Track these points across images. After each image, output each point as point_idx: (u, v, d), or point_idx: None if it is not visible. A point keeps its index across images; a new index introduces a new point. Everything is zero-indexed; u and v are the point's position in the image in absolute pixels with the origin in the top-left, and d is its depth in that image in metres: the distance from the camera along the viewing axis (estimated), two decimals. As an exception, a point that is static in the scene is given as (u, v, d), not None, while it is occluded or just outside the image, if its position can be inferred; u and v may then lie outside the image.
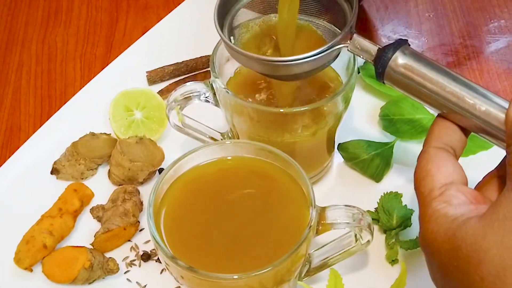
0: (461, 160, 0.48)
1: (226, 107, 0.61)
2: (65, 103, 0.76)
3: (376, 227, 0.63)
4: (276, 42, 0.59)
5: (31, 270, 0.61)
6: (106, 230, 0.61)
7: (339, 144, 0.68)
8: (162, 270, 0.62)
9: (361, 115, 0.73)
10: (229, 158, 0.57)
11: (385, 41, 0.80)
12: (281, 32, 0.58)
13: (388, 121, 0.70)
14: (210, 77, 0.61)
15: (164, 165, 0.68)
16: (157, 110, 0.72)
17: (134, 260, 0.63)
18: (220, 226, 0.53)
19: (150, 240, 0.64)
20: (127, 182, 0.67)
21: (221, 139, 0.67)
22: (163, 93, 0.75)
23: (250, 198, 0.55)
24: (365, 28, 0.83)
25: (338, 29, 0.58)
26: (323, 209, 0.53)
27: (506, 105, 0.45)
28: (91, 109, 0.74)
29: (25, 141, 0.72)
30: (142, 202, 0.66)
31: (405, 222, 0.62)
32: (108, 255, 0.63)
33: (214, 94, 0.61)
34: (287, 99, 0.61)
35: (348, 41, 0.52)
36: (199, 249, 0.52)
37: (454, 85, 0.47)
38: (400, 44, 0.49)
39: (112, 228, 0.62)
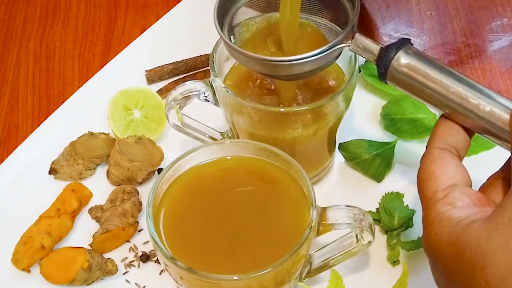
0: (463, 160, 0.48)
1: (226, 106, 0.61)
2: (63, 102, 0.76)
3: (377, 228, 0.63)
4: (277, 41, 0.59)
5: (29, 271, 0.61)
6: (104, 230, 0.61)
7: (340, 143, 0.68)
8: (161, 271, 0.62)
9: (362, 115, 0.73)
10: (229, 158, 0.57)
11: (386, 40, 0.80)
12: (283, 31, 0.58)
13: (390, 121, 0.70)
14: (209, 76, 0.61)
15: (163, 165, 0.68)
16: (156, 109, 0.72)
17: (133, 261, 0.63)
18: (219, 227, 0.53)
19: (149, 241, 0.64)
20: (126, 182, 0.67)
21: (221, 139, 0.67)
22: (162, 92, 0.75)
23: (250, 198, 0.55)
24: (366, 26, 0.83)
25: (339, 28, 0.58)
26: (324, 209, 0.53)
27: (510, 105, 0.45)
28: (89, 108, 0.74)
29: (23, 140, 0.72)
30: (141, 203, 0.66)
31: (406, 223, 0.62)
32: (106, 256, 0.63)
33: (214, 93, 0.61)
34: (288, 95, 0.61)
35: (350, 41, 0.52)
36: (199, 250, 0.52)
37: (458, 85, 0.47)
38: (403, 43, 0.49)
39: (110, 228, 0.61)
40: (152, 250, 0.63)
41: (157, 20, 0.84)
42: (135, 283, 0.61)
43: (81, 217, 0.66)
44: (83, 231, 0.65)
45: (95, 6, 0.89)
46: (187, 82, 0.63)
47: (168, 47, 0.81)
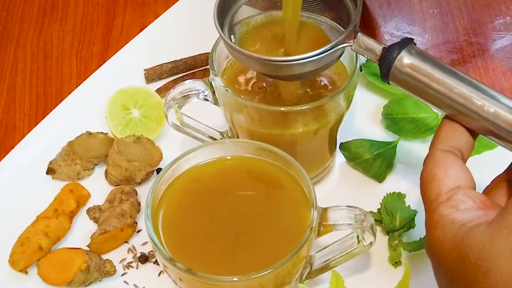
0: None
1: (225, 106, 0.61)
2: (61, 101, 0.76)
3: (378, 228, 0.63)
4: (278, 40, 0.59)
5: (26, 273, 0.61)
6: (102, 231, 0.61)
7: (341, 143, 0.68)
8: (160, 272, 0.62)
9: (364, 114, 0.73)
10: (229, 157, 0.57)
11: (387, 38, 0.80)
12: (285, 28, 0.57)
13: (391, 120, 0.70)
14: (209, 75, 0.61)
15: (162, 165, 0.68)
16: (155, 108, 0.72)
17: (131, 262, 0.63)
18: (219, 227, 0.53)
19: (147, 242, 0.63)
20: (125, 182, 0.67)
21: (221, 138, 0.67)
22: (161, 91, 0.75)
23: (250, 198, 0.55)
24: (367, 25, 0.83)
25: (341, 27, 0.58)
26: (324, 210, 0.53)
27: None
28: (87, 107, 0.74)
29: (20, 140, 0.72)
30: (139, 203, 0.66)
31: (408, 223, 0.62)
32: (105, 257, 0.63)
33: (213, 92, 0.61)
34: (289, 94, 0.61)
35: (352, 40, 0.52)
36: (198, 251, 0.52)
37: (462, 85, 0.47)
38: (406, 43, 0.49)
39: (109, 229, 0.61)
40: (151, 251, 0.63)
41: (156, 18, 0.84)
42: (134, 285, 0.61)
43: (79, 218, 0.66)
44: (81, 232, 0.65)
45: (93, 4, 0.89)
46: (186, 81, 0.63)
47: (167, 46, 0.81)
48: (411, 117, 0.69)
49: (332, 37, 0.58)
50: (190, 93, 0.62)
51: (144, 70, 0.77)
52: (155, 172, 0.68)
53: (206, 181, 0.56)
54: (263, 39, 0.59)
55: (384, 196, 0.63)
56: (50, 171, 0.69)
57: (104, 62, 0.80)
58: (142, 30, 0.83)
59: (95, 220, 0.65)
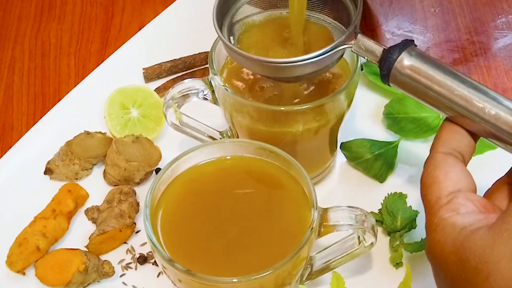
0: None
1: (225, 105, 0.61)
2: (59, 100, 0.76)
3: (380, 229, 0.63)
4: (278, 41, 0.59)
5: (24, 274, 0.61)
6: (101, 232, 0.61)
7: (341, 143, 0.68)
8: (159, 273, 0.62)
9: (365, 114, 0.73)
10: (228, 157, 0.57)
11: (389, 37, 0.80)
12: (292, 27, 0.57)
13: (392, 120, 0.70)
14: (208, 74, 0.61)
15: (161, 165, 0.68)
16: (154, 108, 0.72)
17: (130, 263, 0.63)
18: (219, 228, 0.53)
19: (146, 242, 0.63)
20: (123, 182, 0.67)
21: (220, 138, 0.67)
22: (160, 90, 0.75)
23: (250, 199, 0.55)
24: (368, 24, 0.83)
25: (342, 27, 0.58)
26: (325, 210, 0.53)
27: None
28: (85, 107, 0.74)
29: (18, 140, 0.72)
30: (138, 203, 0.66)
31: (410, 224, 0.62)
32: (103, 257, 0.63)
33: (213, 91, 0.61)
34: (289, 93, 0.61)
35: (352, 42, 0.52)
36: (197, 252, 0.52)
37: (463, 87, 0.47)
38: (406, 44, 0.49)
39: (107, 230, 0.61)
40: (150, 252, 0.63)
41: (155, 16, 0.84)
42: (132, 286, 0.61)
43: (77, 218, 0.66)
44: (79, 232, 0.65)
45: (92, 3, 0.89)
46: (186, 80, 0.63)
47: (166, 45, 0.81)
48: (412, 117, 0.69)
49: (333, 37, 0.58)
50: (189, 92, 0.62)
51: (143, 69, 0.77)
52: (154, 172, 0.68)
53: (206, 181, 0.56)
54: (262, 40, 0.59)
55: (385, 197, 0.64)
56: (48, 171, 0.69)
57: (102, 61, 0.80)
58: (141, 28, 0.83)
59: (94, 220, 0.65)
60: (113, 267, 0.61)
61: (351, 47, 0.52)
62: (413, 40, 0.50)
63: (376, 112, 0.72)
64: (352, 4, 0.56)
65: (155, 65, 0.78)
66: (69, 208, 0.64)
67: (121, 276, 0.62)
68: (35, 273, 0.60)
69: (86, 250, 0.62)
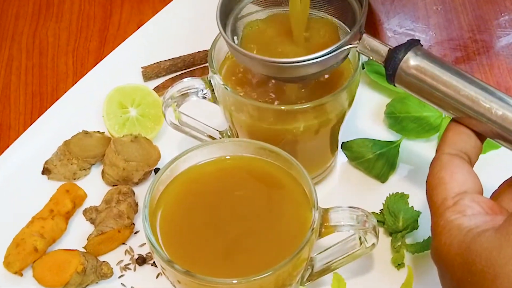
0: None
1: (225, 104, 0.61)
2: (56, 100, 0.76)
3: (381, 230, 0.63)
4: (282, 41, 0.58)
5: (21, 275, 0.61)
6: (99, 232, 0.61)
7: (342, 143, 0.68)
8: (158, 274, 0.62)
9: (366, 113, 0.73)
10: (228, 157, 0.57)
11: (390, 35, 0.80)
12: (293, 24, 0.57)
13: (394, 119, 0.70)
14: (208, 72, 0.61)
15: (160, 164, 0.68)
16: (153, 107, 0.72)
17: (128, 264, 0.63)
18: (218, 229, 0.53)
19: (145, 243, 0.64)
20: (122, 182, 0.67)
21: (220, 138, 0.67)
22: (159, 89, 0.75)
23: (250, 199, 0.55)
24: (369, 22, 0.83)
25: (346, 27, 0.58)
26: (326, 210, 0.53)
27: None
28: (84, 106, 0.74)
29: (15, 139, 0.72)
30: (137, 204, 0.66)
31: (411, 224, 0.62)
32: (101, 258, 0.63)
33: (213, 90, 0.61)
34: (290, 92, 0.61)
35: (357, 41, 0.52)
36: (197, 253, 0.52)
37: (469, 87, 0.46)
38: (412, 44, 0.49)
39: (106, 230, 0.61)
40: (149, 252, 0.63)
41: (154, 14, 0.84)
42: (131, 287, 0.61)
43: (75, 219, 0.66)
44: (77, 233, 0.65)
45: (90, 1, 0.89)
46: (185, 79, 0.63)
47: (165, 43, 0.81)
48: (414, 116, 0.69)
49: (339, 36, 0.58)
50: (188, 91, 0.62)
51: (142, 67, 0.77)
52: (153, 172, 0.68)
53: (205, 181, 0.56)
54: (266, 40, 0.59)
55: (387, 197, 0.63)
56: (45, 171, 0.69)
57: (100, 60, 0.80)
58: (139, 27, 0.83)
59: (92, 221, 0.65)
60: (112, 268, 0.61)
61: (356, 47, 0.52)
62: (419, 40, 0.50)
63: (378, 111, 0.72)
64: (357, 4, 0.56)
65: (154, 63, 0.78)
66: (67, 208, 0.64)
67: (119, 277, 0.62)
68: (32, 274, 0.60)
69: (84, 251, 0.62)
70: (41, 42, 0.85)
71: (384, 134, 0.71)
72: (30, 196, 0.67)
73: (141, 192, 0.66)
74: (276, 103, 0.60)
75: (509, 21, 0.83)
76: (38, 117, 0.74)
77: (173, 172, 0.56)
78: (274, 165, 0.56)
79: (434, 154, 0.48)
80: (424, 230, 0.61)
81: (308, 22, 0.58)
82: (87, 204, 0.66)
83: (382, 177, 0.67)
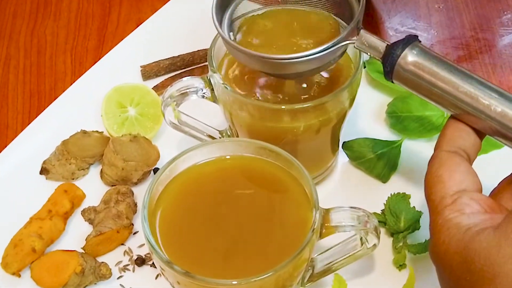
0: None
1: (224, 104, 0.61)
2: (55, 99, 0.76)
3: (382, 230, 0.63)
4: (279, 38, 0.58)
5: (19, 275, 0.61)
6: (98, 233, 0.61)
7: (343, 142, 0.68)
8: (157, 275, 0.62)
9: (367, 112, 0.73)
10: (228, 157, 0.57)
11: (392, 34, 0.80)
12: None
13: (396, 119, 0.70)
14: (207, 71, 0.61)
15: (159, 164, 0.68)
16: (152, 106, 0.72)
17: (127, 264, 0.63)
18: (218, 229, 0.53)
19: (144, 244, 0.64)
20: (121, 182, 0.67)
21: (220, 137, 0.67)
22: (158, 88, 0.75)
23: (250, 199, 0.55)
24: (370, 20, 0.83)
25: (344, 23, 0.58)
26: (327, 211, 0.53)
27: None
28: (82, 105, 0.74)
29: (13, 139, 0.72)
30: (136, 204, 0.66)
31: (413, 225, 0.62)
32: (100, 259, 0.63)
33: (212, 89, 0.61)
34: (290, 91, 0.61)
35: (355, 37, 0.52)
36: (196, 253, 0.52)
37: (468, 84, 0.46)
38: (410, 40, 0.49)
39: (104, 231, 0.61)
40: (148, 253, 0.63)
41: (153, 13, 0.84)
42: (130, 288, 0.62)
43: (73, 219, 0.66)
44: (76, 233, 0.65)
45: (88, -1, 0.90)
46: (184, 78, 0.63)
47: (165, 42, 0.81)
48: (416, 116, 0.69)
49: (335, 33, 0.58)
50: (188, 90, 0.62)
51: (141, 66, 0.77)
52: (152, 172, 0.68)
53: (205, 182, 0.56)
54: (263, 36, 0.59)
55: (388, 197, 0.64)
56: (43, 171, 0.69)
57: (99, 59, 0.80)
58: (138, 25, 0.83)
59: (90, 221, 0.65)
60: (110, 269, 0.61)
61: (354, 43, 0.52)
62: (417, 36, 0.50)
63: (379, 111, 0.72)
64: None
65: (153, 62, 0.78)
66: (66, 208, 0.64)
67: (118, 278, 0.62)
68: (30, 275, 0.60)
69: (83, 251, 0.62)
70: (39, 41, 0.85)
71: (385, 133, 0.71)
72: (28, 196, 0.67)
73: (140, 192, 0.66)
74: (276, 102, 0.60)
75: (512, 19, 0.83)
76: (36, 117, 0.74)
77: (173, 172, 0.56)
78: (274, 165, 0.56)
79: (435, 153, 0.48)
80: (425, 231, 0.60)
81: (306, 17, 0.58)
82: (85, 204, 0.66)
83: (384, 177, 0.67)
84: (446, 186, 0.45)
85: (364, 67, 0.73)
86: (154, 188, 0.54)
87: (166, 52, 0.78)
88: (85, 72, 0.78)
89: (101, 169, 0.68)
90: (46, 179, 0.69)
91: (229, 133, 0.67)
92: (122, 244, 0.64)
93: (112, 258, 0.63)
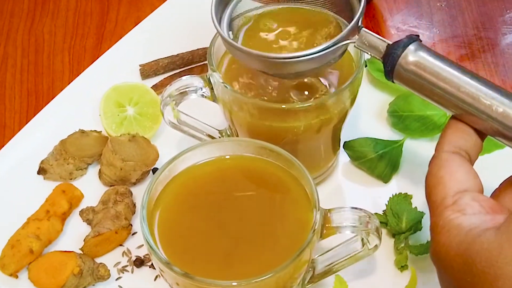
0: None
1: (224, 103, 0.61)
2: (52, 98, 0.76)
3: (384, 231, 0.63)
4: (279, 37, 0.58)
5: (17, 277, 0.61)
6: (96, 234, 0.61)
7: (344, 142, 0.68)
8: (156, 276, 0.62)
9: (368, 112, 0.73)
10: (228, 157, 0.57)
11: (394, 33, 0.80)
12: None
13: (397, 118, 0.70)
14: (207, 70, 0.61)
15: (158, 164, 0.68)
16: (151, 106, 0.72)
17: (126, 266, 0.63)
18: (217, 230, 0.53)
19: (143, 245, 0.64)
20: (119, 182, 0.67)
21: (219, 137, 0.67)
22: (157, 88, 0.75)
23: (250, 200, 0.55)
24: (372, 19, 0.83)
25: (345, 22, 0.58)
26: (327, 211, 0.53)
27: None
28: (80, 105, 0.74)
29: (10, 138, 0.72)
30: (134, 204, 0.66)
31: (415, 226, 0.62)
32: (98, 260, 0.62)
33: (212, 88, 0.61)
34: (291, 89, 0.61)
35: (355, 37, 0.52)
36: (196, 254, 0.52)
37: (469, 84, 0.46)
38: (411, 40, 0.49)
39: (102, 231, 0.61)
40: (147, 254, 0.63)
41: (152, 11, 0.84)
42: (129, 289, 0.62)
43: (71, 220, 0.66)
44: (74, 234, 0.65)
45: (86, -3, 0.90)
46: (184, 77, 0.63)
47: (164, 40, 0.80)
48: (418, 115, 0.69)
49: (335, 32, 0.58)
50: (187, 89, 0.62)
51: (140, 65, 0.77)
52: (151, 172, 0.68)
53: (204, 182, 0.56)
54: (262, 35, 0.59)
55: (390, 197, 0.64)
56: (41, 171, 0.69)
57: (97, 57, 0.80)
58: (137, 23, 0.83)
59: (89, 222, 0.65)
60: (109, 270, 0.61)
61: (354, 42, 0.52)
62: (418, 35, 0.50)
63: (380, 110, 0.72)
64: None
65: (152, 61, 0.78)
66: (63, 209, 0.64)
67: (117, 279, 0.62)
68: (28, 276, 0.60)
69: (81, 252, 0.62)
70: (37, 40, 0.85)
71: (387, 133, 0.71)
72: (25, 197, 0.67)
73: (139, 193, 0.66)
74: (276, 101, 0.60)
75: (515, 18, 0.83)
76: (34, 116, 0.74)
77: (172, 172, 0.56)
78: (274, 165, 0.56)
79: (436, 153, 0.48)
80: (427, 231, 0.60)
81: (306, 16, 0.58)
82: (83, 204, 0.66)
83: (385, 177, 0.67)
84: (447, 187, 0.45)
85: (366, 66, 0.73)
86: (153, 188, 0.54)
87: (165, 50, 0.78)
88: (83, 71, 0.78)
89: (100, 169, 0.68)
90: (44, 179, 0.69)
91: (228, 133, 0.67)
92: (121, 245, 0.64)
93: (111, 259, 0.63)
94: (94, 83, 0.76)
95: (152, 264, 0.63)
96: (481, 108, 0.46)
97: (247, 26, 0.59)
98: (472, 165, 0.47)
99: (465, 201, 0.44)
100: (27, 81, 0.80)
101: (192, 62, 0.78)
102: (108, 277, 0.61)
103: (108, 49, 0.80)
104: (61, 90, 0.76)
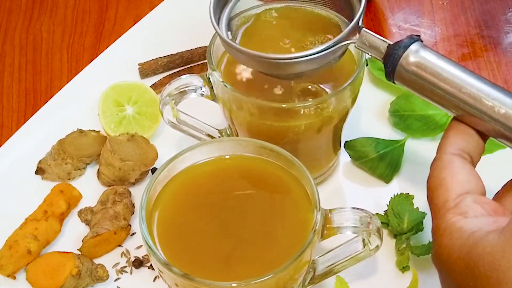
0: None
1: (224, 102, 0.61)
2: (51, 97, 0.76)
3: (385, 231, 0.63)
4: (278, 37, 0.58)
5: (14, 278, 0.61)
6: (95, 234, 0.61)
7: (345, 142, 0.68)
8: (155, 277, 0.62)
9: (370, 111, 0.73)
10: (227, 157, 0.57)
11: (395, 31, 0.80)
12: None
13: (399, 117, 0.70)
14: (207, 69, 0.61)
15: (157, 164, 0.68)
16: (150, 105, 0.72)
17: (125, 266, 0.63)
18: (217, 230, 0.53)
19: (142, 245, 0.64)
20: (118, 182, 0.67)
21: (219, 137, 0.67)
22: (156, 87, 0.75)
23: (250, 200, 0.55)
24: (373, 17, 0.83)
25: (345, 20, 0.57)
26: (328, 211, 0.53)
27: None
28: (79, 104, 0.74)
29: (8, 138, 0.72)
30: (133, 204, 0.66)
31: (417, 226, 0.62)
32: (97, 261, 0.63)
33: (211, 88, 0.61)
34: (292, 89, 0.61)
35: (356, 37, 0.52)
36: (195, 255, 0.52)
37: (471, 85, 0.46)
38: (412, 40, 0.49)
39: (101, 232, 0.61)
40: (146, 255, 0.63)
41: (151, 9, 0.84)
42: (128, 290, 0.62)
43: (69, 220, 0.66)
44: (72, 235, 0.65)
45: (85, -5, 0.90)
46: (183, 76, 0.62)
47: (163, 39, 0.80)
48: (419, 114, 0.69)
49: (336, 32, 0.58)
50: (187, 88, 0.62)
51: (139, 64, 0.77)
52: (150, 172, 0.68)
53: (204, 182, 0.56)
54: (262, 35, 0.59)
55: (391, 198, 0.64)
56: (39, 171, 0.69)
57: (96, 56, 0.80)
58: (136, 22, 0.83)
59: (87, 222, 0.65)
60: (107, 271, 0.61)
61: (355, 42, 0.52)
62: (419, 35, 0.50)
63: (382, 110, 0.72)
64: None
65: (151, 60, 0.78)
66: (62, 209, 0.64)
67: (115, 280, 0.62)
68: (26, 277, 0.60)
69: (79, 253, 0.62)
70: (35, 38, 0.85)
71: (388, 133, 0.71)
72: (23, 197, 0.67)
73: (138, 193, 0.66)
74: (277, 100, 0.60)
75: (517, 16, 0.83)
76: (32, 115, 0.74)
77: (171, 172, 0.56)
78: (274, 165, 0.56)
79: (438, 154, 0.48)
80: (429, 232, 0.60)
81: (306, 15, 0.58)
82: (82, 205, 0.66)
83: (386, 177, 0.67)
84: (448, 189, 0.45)
85: (367, 65, 0.73)
86: (152, 188, 0.54)
87: (164, 49, 0.78)
88: (81, 69, 0.78)
89: (98, 169, 0.68)
90: (42, 179, 0.69)
91: (228, 132, 0.67)
92: (120, 245, 0.64)
93: (109, 260, 0.63)
94: (93, 82, 0.76)
95: (151, 265, 0.63)
96: (483, 110, 0.46)
97: (246, 26, 0.59)
98: (474, 167, 0.47)
99: (467, 203, 0.44)
100: (25, 80, 0.80)
101: (192, 61, 0.78)
102: (107, 278, 0.61)
103: (107, 47, 0.80)
104: (60, 89, 0.76)
